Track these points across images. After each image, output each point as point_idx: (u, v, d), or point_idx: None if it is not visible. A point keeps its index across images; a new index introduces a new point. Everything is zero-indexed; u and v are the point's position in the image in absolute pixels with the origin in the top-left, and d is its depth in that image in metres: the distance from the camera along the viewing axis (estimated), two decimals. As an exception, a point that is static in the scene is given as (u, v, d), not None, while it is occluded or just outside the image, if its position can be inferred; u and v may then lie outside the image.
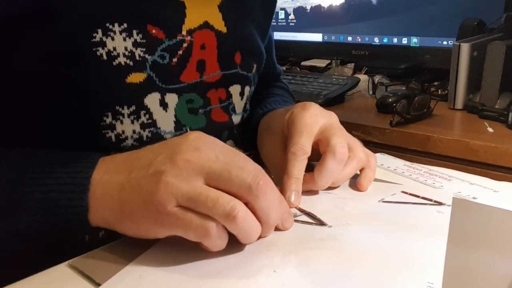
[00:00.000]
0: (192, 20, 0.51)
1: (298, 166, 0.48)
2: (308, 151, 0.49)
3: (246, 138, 0.65)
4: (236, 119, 0.60)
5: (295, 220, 0.44)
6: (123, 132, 0.48)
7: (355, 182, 0.53)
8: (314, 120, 0.51)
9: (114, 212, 0.39)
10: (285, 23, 1.65)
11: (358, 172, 0.53)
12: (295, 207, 0.47)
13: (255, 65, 0.62)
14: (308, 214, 0.46)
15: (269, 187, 0.39)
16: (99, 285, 0.35)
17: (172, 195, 0.36)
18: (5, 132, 0.47)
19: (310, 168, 0.50)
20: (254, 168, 0.38)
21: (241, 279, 0.36)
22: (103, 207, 0.39)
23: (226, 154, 0.39)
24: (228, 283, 0.35)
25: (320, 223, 0.44)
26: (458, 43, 1.05)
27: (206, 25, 0.53)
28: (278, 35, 1.66)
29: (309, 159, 0.50)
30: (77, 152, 0.43)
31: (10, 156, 0.42)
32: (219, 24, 0.55)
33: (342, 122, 0.54)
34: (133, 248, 0.40)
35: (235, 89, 0.59)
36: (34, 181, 0.40)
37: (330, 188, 0.52)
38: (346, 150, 0.49)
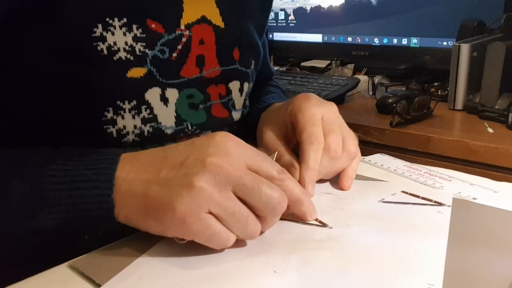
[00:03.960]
0: (189, 15, 0.51)
1: (315, 157, 0.48)
2: (323, 141, 0.49)
3: (246, 132, 0.65)
4: (236, 115, 0.60)
5: (295, 221, 0.44)
6: (124, 127, 0.48)
7: (354, 183, 0.53)
8: (318, 110, 0.52)
9: (138, 209, 0.39)
10: (285, 24, 1.65)
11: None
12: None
13: (253, 62, 0.62)
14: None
15: (295, 192, 0.42)
16: (100, 286, 0.35)
17: (205, 201, 0.37)
18: (5, 127, 0.47)
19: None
20: (282, 180, 0.40)
21: (241, 280, 0.36)
22: (128, 204, 0.39)
23: (254, 160, 0.40)
24: (228, 283, 0.35)
25: (321, 224, 0.44)
26: (458, 44, 1.05)
27: (203, 20, 0.53)
28: (278, 36, 1.66)
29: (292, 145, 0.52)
30: (96, 149, 0.42)
31: (33, 155, 0.42)
32: (217, 19, 0.55)
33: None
34: (133, 249, 0.40)
35: (234, 85, 0.59)
36: (58, 179, 0.39)
37: (329, 188, 0.52)
38: (341, 148, 0.50)
